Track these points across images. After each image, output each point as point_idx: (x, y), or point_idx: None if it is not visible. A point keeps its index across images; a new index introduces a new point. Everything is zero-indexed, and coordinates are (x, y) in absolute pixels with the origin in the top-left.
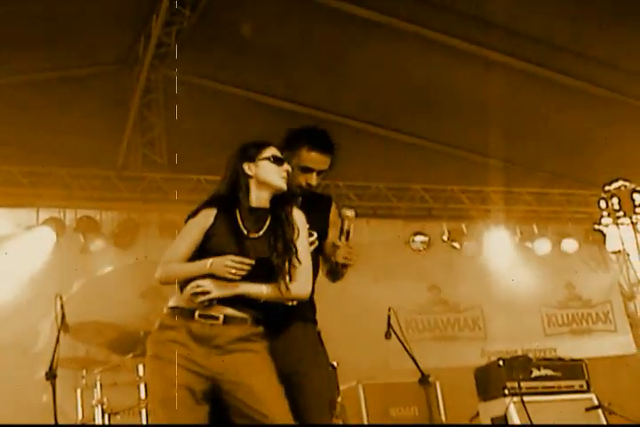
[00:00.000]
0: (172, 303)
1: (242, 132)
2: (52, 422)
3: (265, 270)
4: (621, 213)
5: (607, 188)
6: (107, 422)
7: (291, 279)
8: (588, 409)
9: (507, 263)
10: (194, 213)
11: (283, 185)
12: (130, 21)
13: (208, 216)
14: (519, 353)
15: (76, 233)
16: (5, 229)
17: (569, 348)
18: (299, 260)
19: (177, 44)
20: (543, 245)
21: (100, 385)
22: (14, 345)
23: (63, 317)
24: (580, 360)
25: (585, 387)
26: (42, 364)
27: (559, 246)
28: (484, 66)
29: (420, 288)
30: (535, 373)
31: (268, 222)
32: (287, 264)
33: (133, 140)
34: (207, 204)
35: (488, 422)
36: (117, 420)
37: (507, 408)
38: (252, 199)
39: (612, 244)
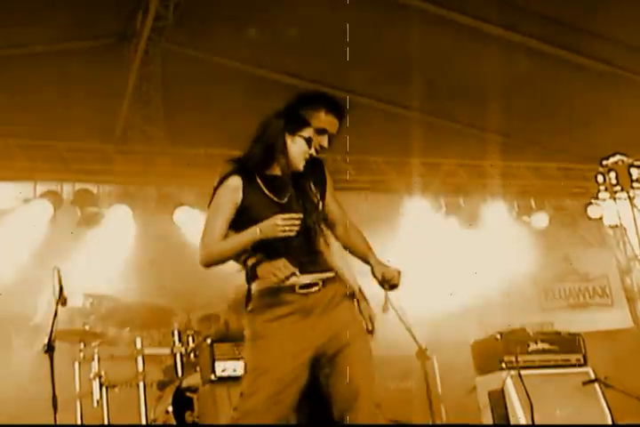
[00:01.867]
0: (262, 286)
1: (240, 106)
2: (50, 395)
3: (303, 237)
4: (619, 188)
5: (605, 162)
6: (104, 395)
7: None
8: (585, 383)
9: (504, 237)
10: (220, 182)
11: (300, 168)
12: None
13: (237, 189)
14: (516, 327)
15: (73, 206)
16: (3, 202)
17: (566, 322)
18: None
19: (175, 17)
20: (540, 219)
21: (98, 358)
22: (13, 318)
23: (61, 290)
24: (577, 334)
25: (582, 361)
26: (40, 337)
27: (556, 220)
28: (483, 40)
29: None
30: (532, 346)
31: (290, 188)
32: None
33: (131, 113)
34: (233, 171)
35: (485, 395)
36: (115, 393)
37: (504, 382)
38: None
39: (609, 218)
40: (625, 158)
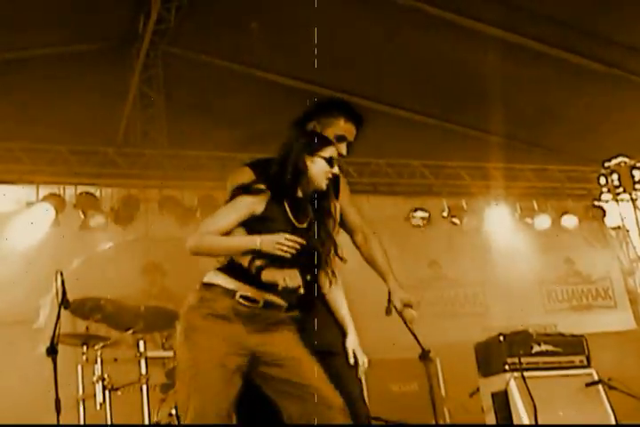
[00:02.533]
0: (210, 280)
1: (242, 109)
2: (53, 397)
3: (310, 261)
4: (621, 190)
5: (607, 164)
6: (107, 397)
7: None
8: (588, 384)
9: (507, 239)
10: (247, 190)
11: (324, 187)
12: None
13: (261, 201)
14: (520, 329)
15: (75, 209)
16: (5, 205)
17: (569, 324)
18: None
19: (177, 21)
20: (543, 221)
21: (101, 361)
22: (16, 321)
23: (64, 293)
24: (581, 336)
25: (585, 362)
26: (43, 340)
27: (559, 222)
28: (484, 41)
29: (421, 264)
30: (536, 348)
31: (310, 213)
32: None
33: (133, 116)
34: (263, 184)
35: (489, 397)
36: (118, 395)
37: (507, 384)
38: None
39: (611, 220)
40: (627, 160)
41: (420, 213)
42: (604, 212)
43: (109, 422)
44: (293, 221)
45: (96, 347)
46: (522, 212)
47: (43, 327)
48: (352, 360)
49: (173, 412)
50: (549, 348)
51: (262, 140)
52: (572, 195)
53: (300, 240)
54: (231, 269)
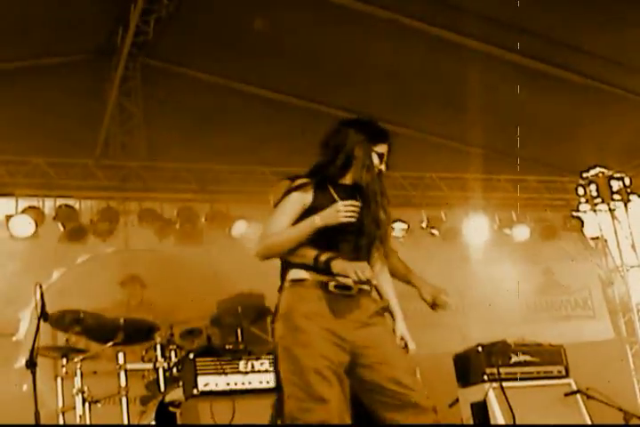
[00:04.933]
0: (298, 276)
1: (221, 121)
2: (32, 410)
3: (361, 243)
4: (599, 200)
5: (585, 174)
6: (87, 410)
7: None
8: (566, 394)
9: (485, 250)
10: (296, 187)
11: (370, 180)
12: (108, 9)
13: (307, 191)
14: (498, 339)
15: (55, 222)
16: None
17: (548, 334)
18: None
19: (155, 33)
20: (522, 232)
21: (81, 373)
22: None
23: (43, 305)
24: (559, 346)
25: (563, 372)
26: (22, 352)
27: (537, 233)
28: (461, 53)
29: None
30: (514, 358)
31: (357, 198)
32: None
33: (112, 128)
34: (306, 175)
35: (468, 408)
36: (98, 408)
37: (486, 394)
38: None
39: (590, 230)
40: (605, 171)
41: (399, 225)
42: (582, 222)
43: None
44: None
45: (76, 359)
46: (500, 222)
47: (22, 340)
48: (402, 345)
49: (153, 424)
50: (528, 358)
51: (241, 152)
52: (551, 205)
53: (356, 203)
54: (308, 266)
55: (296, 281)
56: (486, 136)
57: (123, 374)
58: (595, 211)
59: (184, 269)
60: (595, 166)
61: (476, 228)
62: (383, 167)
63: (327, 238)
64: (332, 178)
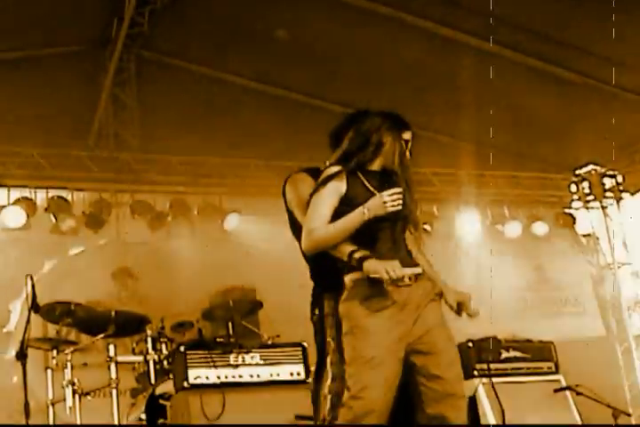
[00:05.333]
0: (356, 278)
1: (214, 113)
2: (22, 402)
3: (397, 229)
4: (592, 197)
5: (578, 171)
6: (77, 402)
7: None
8: (556, 390)
9: (477, 246)
10: (331, 176)
11: (397, 166)
12: (103, 1)
13: (342, 180)
14: (489, 335)
15: (46, 213)
16: None
17: (538, 330)
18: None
19: (150, 25)
20: (514, 228)
21: (71, 366)
22: None
23: (34, 297)
24: (549, 342)
25: (553, 369)
26: (13, 344)
27: (530, 229)
28: (455, 48)
29: None
30: (504, 354)
31: (385, 185)
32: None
33: (105, 120)
34: (336, 163)
35: None
36: (88, 400)
37: (476, 390)
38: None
39: (582, 227)
40: (598, 168)
41: None
42: (574, 219)
43: None
44: (372, 190)
45: (66, 351)
46: (493, 218)
47: (13, 331)
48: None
49: (143, 416)
50: (518, 354)
51: (235, 145)
52: (543, 202)
53: (399, 190)
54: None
55: (355, 283)
56: (479, 132)
57: (113, 366)
58: (587, 208)
59: (176, 262)
60: (588, 164)
61: (469, 223)
62: (408, 154)
63: (366, 228)
64: (362, 165)
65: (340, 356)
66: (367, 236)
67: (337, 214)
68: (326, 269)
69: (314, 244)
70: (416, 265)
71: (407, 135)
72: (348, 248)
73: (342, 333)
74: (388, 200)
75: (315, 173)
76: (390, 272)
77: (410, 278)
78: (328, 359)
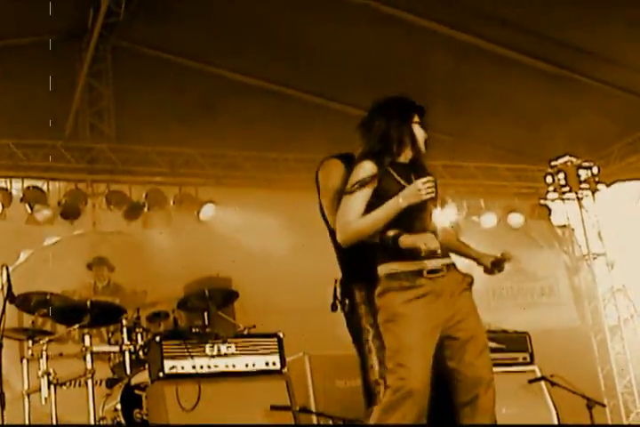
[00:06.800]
0: (388, 270)
1: (191, 104)
2: None
3: (425, 216)
4: (567, 189)
5: (554, 163)
6: (53, 392)
7: None
8: (530, 381)
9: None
10: (363, 183)
11: (424, 150)
12: None
13: (373, 174)
14: None
15: (22, 203)
16: None
17: (514, 321)
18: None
19: (126, 14)
20: (489, 220)
21: (47, 356)
22: None
23: (9, 287)
24: (524, 333)
25: (528, 359)
26: None
27: (505, 221)
28: (434, 41)
29: None
30: None
31: (412, 175)
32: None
33: (81, 110)
34: (366, 157)
35: None
36: (63, 390)
37: None
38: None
39: (557, 218)
40: (574, 159)
41: None
42: (550, 210)
43: (54, 418)
44: (403, 183)
45: (42, 341)
46: (469, 210)
47: None
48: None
49: (118, 407)
50: (493, 345)
51: (212, 136)
52: (519, 193)
53: (432, 178)
54: (395, 255)
55: (390, 275)
56: (456, 123)
57: (89, 356)
58: (562, 199)
59: (152, 252)
60: (564, 155)
61: (444, 215)
62: (426, 135)
63: (402, 216)
64: (391, 160)
65: (380, 342)
66: (406, 224)
67: (369, 208)
68: (357, 261)
69: (351, 236)
70: (447, 256)
71: (417, 118)
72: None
73: (382, 320)
74: (422, 188)
75: (348, 159)
76: (428, 244)
77: (442, 269)
78: (368, 346)
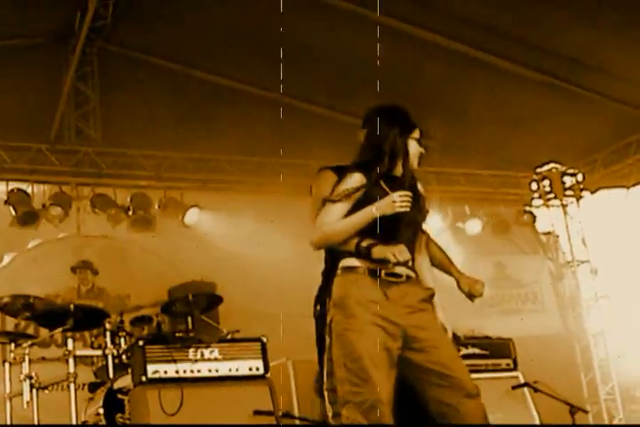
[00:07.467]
0: (349, 263)
1: (176, 107)
2: None
3: (413, 233)
4: (552, 195)
5: (539, 170)
6: (35, 396)
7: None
8: (514, 387)
9: (438, 243)
10: (349, 194)
11: (416, 166)
12: None
13: (360, 185)
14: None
15: (6, 206)
16: None
17: (498, 327)
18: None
19: (114, 18)
20: (474, 226)
21: (29, 359)
22: None
23: None
24: (508, 339)
25: (512, 365)
26: None
27: (490, 227)
28: (422, 47)
29: None
30: (463, 351)
31: (405, 189)
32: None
33: (67, 113)
34: (356, 169)
35: None
36: (46, 394)
37: None
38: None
39: (542, 225)
40: (559, 166)
41: None
42: (534, 217)
43: (36, 422)
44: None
45: (24, 345)
46: (454, 216)
47: None
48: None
49: (101, 411)
50: (477, 351)
51: (197, 140)
52: (504, 200)
53: (409, 193)
54: (359, 254)
55: (348, 268)
56: (441, 130)
57: (71, 360)
58: (547, 206)
59: (136, 256)
60: (549, 162)
61: (430, 221)
62: (423, 150)
63: (387, 230)
64: (382, 173)
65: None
66: (389, 238)
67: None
68: (333, 269)
69: (320, 237)
70: (412, 270)
71: (416, 134)
72: (354, 239)
73: (337, 326)
74: (397, 200)
75: (341, 170)
76: (397, 255)
77: (401, 275)
78: (325, 356)
